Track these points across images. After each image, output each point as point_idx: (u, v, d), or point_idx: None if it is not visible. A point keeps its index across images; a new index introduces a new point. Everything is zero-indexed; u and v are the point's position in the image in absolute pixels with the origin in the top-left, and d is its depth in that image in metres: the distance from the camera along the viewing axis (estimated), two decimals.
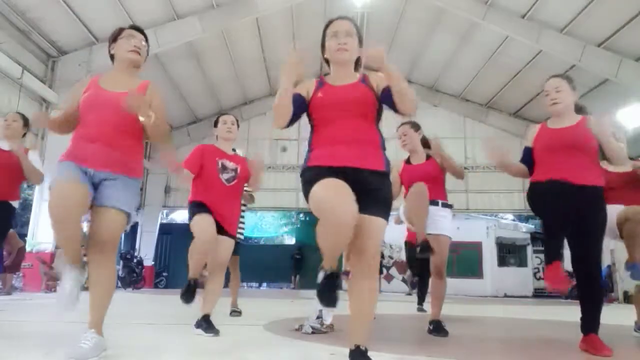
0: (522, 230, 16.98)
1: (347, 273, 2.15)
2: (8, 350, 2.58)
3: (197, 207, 3.40)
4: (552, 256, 2.77)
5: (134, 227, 16.63)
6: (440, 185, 3.85)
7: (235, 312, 5.14)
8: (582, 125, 2.90)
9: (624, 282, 13.38)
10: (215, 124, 3.76)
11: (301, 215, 21.48)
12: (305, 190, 2.09)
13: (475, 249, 15.94)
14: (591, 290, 2.82)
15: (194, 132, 17.20)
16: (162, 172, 16.77)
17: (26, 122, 3.81)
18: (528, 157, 3.08)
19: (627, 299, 13.06)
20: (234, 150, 3.88)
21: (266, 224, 26.26)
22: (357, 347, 2.00)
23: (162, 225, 17.68)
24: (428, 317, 3.79)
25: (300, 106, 2.24)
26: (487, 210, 17.54)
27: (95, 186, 2.36)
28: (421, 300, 6.17)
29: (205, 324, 3.31)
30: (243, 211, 5.18)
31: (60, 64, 11.50)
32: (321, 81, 2.30)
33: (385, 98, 2.16)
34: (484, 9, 11.92)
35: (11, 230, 9.42)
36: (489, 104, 16.40)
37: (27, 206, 18.57)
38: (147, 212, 16.79)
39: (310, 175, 2.07)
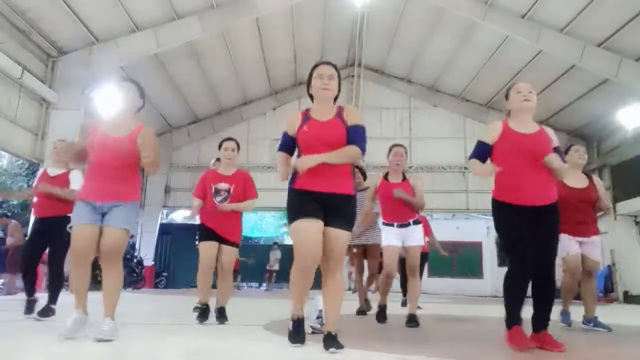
0: None
1: None
2: (8, 349, 2.58)
3: (201, 232, 4.28)
4: (513, 320, 2.87)
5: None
6: (408, 205, 4.42)
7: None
8: (544, 134, 3.04)
9: (624, 282, 13.38)
10: (220, 147, 4.32)
11: None
12: (289, 212, 2.75)
13: (475, 249, 15.95)
14: (550, 291, 2.98)
15: (194, 132, 17.19)
16: (162, 172, 16.77)
17: None
18: (486, 156, 3.07)
19: (627, 298, 13.06)
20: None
21: (266, 224, 26.28)
22: (329, 333, 2.65)
23: (162, 225, 17.66)
24: (427, 317, 3.88)
25: (292, 144, 2.88)
26: (487, 210, 17.35)
27: (104, 214, 3.04)
28: (405, 293, 7.12)
29: (218, 313, 4.16)
30: None
31: (60, 64, 11.48)
32: (306, 115, 2.87)
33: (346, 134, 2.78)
34: (484, 9, 11.91)
35: (14, 222, 9.48)
36: (489, 104, 16.40)
37: (27, 206, 18.58)
38: (147, 212, 16.77)
39: (295, 200, 2.75)
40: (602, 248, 15.73)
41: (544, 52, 12.35)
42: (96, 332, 2.85)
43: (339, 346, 2.56)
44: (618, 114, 13.00)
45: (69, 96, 11.17)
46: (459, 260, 15.52)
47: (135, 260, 14.27)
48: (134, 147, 3.07)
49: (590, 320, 4.21)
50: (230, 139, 4.36)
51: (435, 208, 16.29)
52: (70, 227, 3.03)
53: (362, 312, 5.65)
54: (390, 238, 4.43)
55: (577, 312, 4.59)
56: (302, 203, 2.69)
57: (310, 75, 2.90)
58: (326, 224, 2.70)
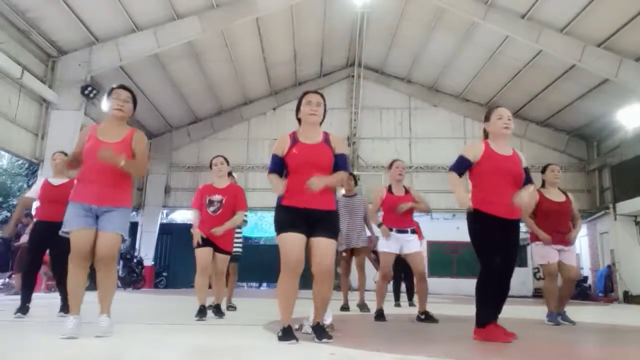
0: (522, 230, 16.93)
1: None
2: (9, 349, 2.58)
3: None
4: (486, 317, 3.23)
5: (134, 227, 16.64)
6: (411, 214, 4.94)
7: (231, 307, 5.93)
8: (517, 156, 3.47)
9: (624, 282, 13.38)
10: (211, 166, 4.78)
11: None
12: (276, 225, 3.12)
13: None
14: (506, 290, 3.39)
15: (194, 132, 17.18)
16: (162, 172, 16.76)
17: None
18: (464, 170, 3.45)
19: (627, 298, 13.06)
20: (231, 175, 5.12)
21: (266, 224, 26.25)
22: (317, 323, 3.09)
23: (162, 225, 17.63)
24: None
25: (282, 164, 3.17)
26: None
27: (98, 216, 3.16)
28: (397, 298, 7.98)
29: (215, 309, 4.73)
30: (238, 232, 6.10)
31: (60, 64, 11.47)
32: (294, 138, 3.18)
33: (335, 161, 3.15)
34: (484, 9, 11.91)
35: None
36: (489, 103, 16.39)
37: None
38: (147, 212, 16.75)
39: (282, 216, 3.10)
40: (602, 248, 15.76)
41: (544, 52, 12.35)
42: (95, 330, 2.99)
43: (329, 337, 2.98)
44: (618, 114, 13.00)
45: (69, 96, 11.17)
46: (458, 260, 15.54)
47: (135, 260, 14.27)
48: (130, 151, 3.23)
49: (560, 314, 4.86)
50: (217, 156, 4.84)
51: (435, 208, 16.24)
52: (67, 232, 3.15)
53: (345, 308, 6.24)
54: (389, 244, 4.81)
55: (572, 313, 4.93)
56: (288, 218, 3.05)
57: (300, 101, 3.24)
58: (313, 236, 3.04)
